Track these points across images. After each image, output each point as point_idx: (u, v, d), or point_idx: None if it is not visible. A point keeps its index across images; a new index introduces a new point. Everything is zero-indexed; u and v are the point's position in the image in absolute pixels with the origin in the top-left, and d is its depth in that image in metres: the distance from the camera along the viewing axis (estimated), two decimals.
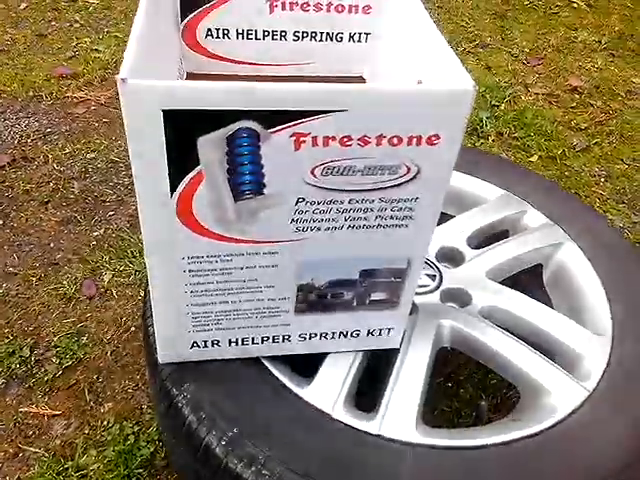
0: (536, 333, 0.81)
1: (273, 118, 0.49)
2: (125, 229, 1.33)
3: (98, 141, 1.63)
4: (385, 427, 0.66)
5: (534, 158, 1.60)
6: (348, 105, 0.50)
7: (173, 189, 0.52)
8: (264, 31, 0.77)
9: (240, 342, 0.68)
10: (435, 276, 0.88)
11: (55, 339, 1.08)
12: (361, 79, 0.82)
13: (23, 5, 2.27)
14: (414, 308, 0.82)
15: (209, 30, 0.76)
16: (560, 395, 0.71)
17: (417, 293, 0.84)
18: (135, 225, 1.35)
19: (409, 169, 0.56)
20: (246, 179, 0.53)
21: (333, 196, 0.56)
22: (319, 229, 0.59)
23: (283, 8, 0.75)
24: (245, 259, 0.59)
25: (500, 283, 0.90)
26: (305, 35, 0.78)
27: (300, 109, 0.49)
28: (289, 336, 0.68)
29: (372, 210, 0.58)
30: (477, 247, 0.95)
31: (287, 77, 0.81)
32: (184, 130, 0.49)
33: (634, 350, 0.77)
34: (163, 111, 0.47)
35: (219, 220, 0.56)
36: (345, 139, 0.52)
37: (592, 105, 1.83)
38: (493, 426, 0.71)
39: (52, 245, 1.30)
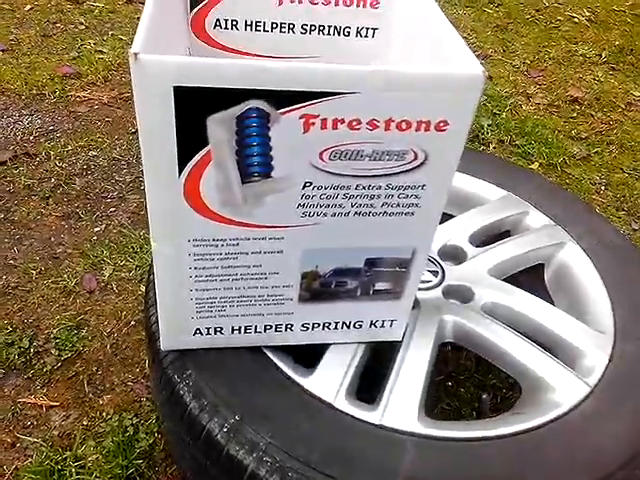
0: (538, 329, 0.81)
1: (283, 98, 0.50)
2: (126, 225, 1.33)
3: (100, 139, 1.63)
4: (387, 417, 0.66)
5: (535, 165, 1.61)
6: (360, 87, 0.50)
7: (181, 169, 0.53)
8: (272, 23, 0.78)
9: (243, 330, 0.68)
10: (438, 272, 0.88)
11: (55, 331, 1.08)
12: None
13: (28, 7, 2.28)
14: (416, 303, 0.82)
15: (218, 20, 0.77)
16: (562, 390, 0.71)
17: (420, 289, 0.84)
18: (136, 221, 1.35)
19: (417, 155, 0.56)
20: (254, 161, 0.53)
21: (340, 181, 0.56)
22: (325, 215, 0.59)
23: (292, 1, 0.76)
24: (250, 244, 0.60)
25: (502, 281, 0.90)
26: (313, 28, 0.79)
27: (311, 90, 0.50)
28: (292, 325, 0.68)
29: (379, 197, 0.58)
30: (479, 246, 0.96)
31: None
32: (194, 108, 0.49)
33: (635, 348, 0.77)
34: (174, 88, 0.48)
35: (226, 203, 0.56)
36: (354, 122, 0.53)
37: (592, 116, 1.84)
38: (495, 419, 0.71)
39: (53, 239, 1.29)
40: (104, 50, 2.04)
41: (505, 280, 0.91)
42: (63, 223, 1.34)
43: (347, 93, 0.50)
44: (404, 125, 0.54)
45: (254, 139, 0.52)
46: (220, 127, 0.51)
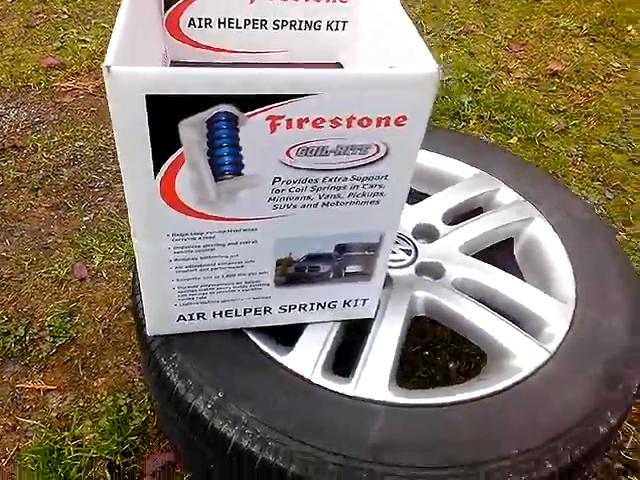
0: (504, 301, 0.86)
1: (249, 102, 0.54)
2: (114, 214, 1.37)
3: (86, 129, 1.66)
4: (359, 389, 0.71)
5: (514, 140, 1.64)
6: (320, 89, 0.54)
7: (157, 170, 0.57)
8: (245, 20, 0.80)
9: (224, 314, 0.73)
10: (411, 251, 0.93)
11: (48, 319, 1.13)
12: (339, 66, 0.86)
13: None
14: (389, 281, 0.87)
15: (192, 19, 0.79)
16: (524, 357, 0.77)
17: (393, 267, 0.89)
18: (124, 210, 1.39)
19: (379, 149, 0.60)
20: (225, 160, 0.57)
21: (308, 175, 0.60)
22: (295, 207, 0.63)
23: None
24: (226, 236, 0.64)
25: (473, 256, 0.95)
26: (285, 24, 0.82)
27: (275, 93, 0.54)
28: (270, 308, 0.73)
29: (345, 188, 0.62)
30: (452, 224, 1.00)
31: (267, 64, 0.84)
32: (166, 114, 0.53)
33: (592, 316, 0.82)
34: (146, 96, 0.51)
35: (201, 200, 0.60)
36: (318, 121, 0.56)
37: (571, 88, 1.88)
38: (462, 386, 0.76)
39: (43, 230, 1.33)
40: (87, 39, 2.05)
41: (478, 254, 0.96)
42: (52, 214, 1.37)
43: (310, 95, 0.54)
44: (365, 122, 0.57)
45: (224, 140, 0.56)
46: (191, 130, 0.55)
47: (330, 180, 0.61)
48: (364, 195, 0.64)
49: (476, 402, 0.71)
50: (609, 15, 2.31)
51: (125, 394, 0.99)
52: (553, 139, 1.65)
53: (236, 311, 0.72)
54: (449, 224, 1.00)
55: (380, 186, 0.63)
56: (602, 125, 1.71)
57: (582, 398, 0.72)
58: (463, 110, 1.74)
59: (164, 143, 0.55)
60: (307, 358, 0.73)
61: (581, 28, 2.22)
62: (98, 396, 0.99)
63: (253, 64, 0.84)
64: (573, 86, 1.88)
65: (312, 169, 0.60)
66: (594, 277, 0.89)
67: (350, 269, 0.71)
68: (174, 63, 0.83)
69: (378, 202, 0.65)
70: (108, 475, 0.87)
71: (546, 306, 0.84)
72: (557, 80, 1.91)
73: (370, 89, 0.55)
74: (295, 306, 0.74)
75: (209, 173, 0.58)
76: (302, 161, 0.59)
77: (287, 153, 0.58)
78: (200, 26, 0.80)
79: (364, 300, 0.76)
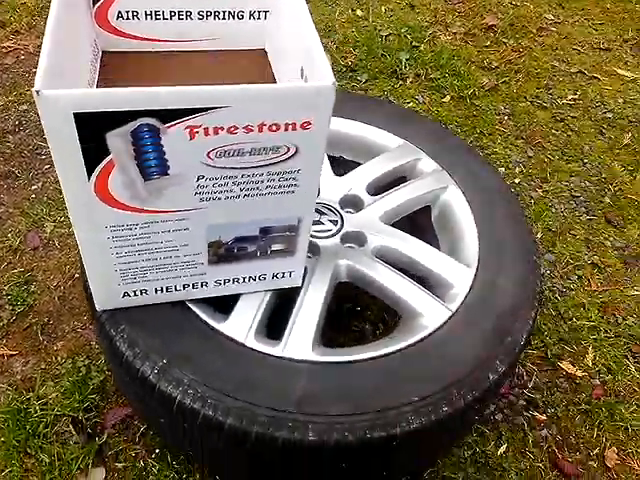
0: (416, 266, 0.98)
1: (168, 115, 0.61)
2: None
3: (29, 92, 1.66)
4: (287, 350, 0.82)
5: (447, 99, 1.73)
6: (230, 102, 0.61)
7: (89, 174, 0.64)
8: (171, 12, 0.85)
9: (165, 290, 0.82)
10: (337, 221, 1.03)
11: (6, 288, 1.20)
12: (263, 52, 0.92)
13: None
14: (317, 250, 0.97)
15: (119, 12, 0.84)
16: (429, 316, 0.89)
17: (321, 237, 0.99)
18: None
19: (289, 149, 0.68)
20: (152, 163, 0.65)
21: (228, 173, 0.69)
22: (220, 198, 0.71)
23: None
24: (160, 225, 0.72)
25: (397, 223, 1.06)
26: (209, 14, 0.87)
27: (191, 107, 0.61)
28: (206, 283, 0.83)
29: (262, 182, 0.71)
30: (377, 193, 1.10)
31: (197, 51, 0.90)
32: (93, 128, 0.60)
33: (489, 277, 0.94)
34: (74, 114, 0.58)
35: (133, 197, 0.68)
36: (232, 128, 0.64)
37: (505, 43, 1.95)
38: (375, 344, 0.88)
39: None
40: None
41: (403, 220, 1.07)
42: (1, 183, 1.41)
43: (222, 107, 0.62)
44: (274, 127, 0.65)
45: (148, 147, 0.63)
46: (118, 140, 0.62)
47: (248, 176, 0.70)
48: (280, 187, 0.72)
49: (385, 357, 0.83)
50: None
51: (84, 356, 1.08)
52: (483, 97, 1.74)
53: (175, 287, 0.82)
54: (374, 194, 1.09)
55: (294, 179, 0.72)
56: (530, 82, 1.81)
57: (475, 350, 0.85)
58: (401, 68, 1.80)
59: (94, 152, 0.62)
60: (241, 324, 0.84)
61: None
62: (58, 359, 1.09)
63: (184, 52, 0.89)
64: (506, 41, 1.96)
65: (231, 167, 0.68)
66: (494, 241, 1.00)
67: (275, 247, 0.81)
68: (105, 53, 0.87)
69: (294, 192, 0.73)
70: (72, 429, 0.98)
71: (452, 270, 0.96)
72: (492, 35, 1.98)
73: (275, 101, 0.63)
74: (229, 280, 0.83)
75: (138, 175, 0.66)
76: (221, 162, 0.67)
77: (207, 155, 0.66)
78: (128, 18, 0.85)
79: (290, 272, 0.86)
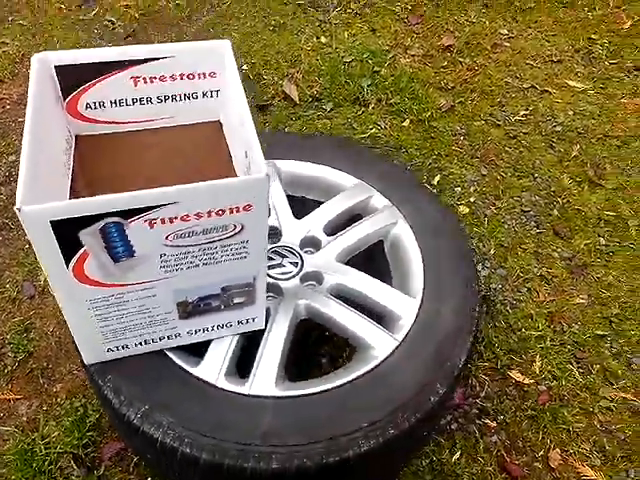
0: (369, 302, 1.10)
1: (129, 214, 0.73)
2: None
3: (17, 142, 1.77)
4: (253, 387, 0.95)
5: (406, 123, 1.84)
6: (178, 199, 0.74)
7: (67, 263, 0.76)
8: (132, 99, 0.97)
9: (144, 343, 0.94)
10: (298, 263, 1.15)
11: (8, 337, 1.32)
12: (219, 123, 1.04)
13: None
14: (280, 291, 1.09)
15: (87, 104, 0.96)
16: (379, 347, 1.01)
17: (283, 279, 1.11)
18: None
19: (235, 226, 0.81)
20: (119, 250, 0.77)
21: (186, 249, 0.81)
22: (182, 269, 0.84)
23: (145, 82, 0.95)
24: (133, 294, 0.85)
25: (351, 260, 1.18)
26: (167, 98, 0.99)
27: (147, 206, 0.73)
28: (179, 334, 0.95)
29: (217, 252, 0.83)
30: (333, 233, 1.22)
31: (157, 129, 1.01)
32: (68, 229, 0.72)
33: (432, 306, 1.07)
34: (50, 221, 0.70)
35: (106, 276, 0.80)
36: (184, 217, 0.77)
37: (461, 63, 2.06)
38: (331, 375, 1.00)
39: None
40: (6, 41, 2.10)
41: (358, 255, 1.19)
42: None
43: (173, 203, 0.74)
44: (220, 212, 0.78)
45: (115, 238, 0.76)
46: (89, 236, 0.74)
47: (204, 250, 0.82)
48: (233, 255, 0.85)
49: (338, 389, 0.96)
50: None
51: (80, 396, 1.21)
52: (441, 118, 1.86)
53: (153, 340, 0.94)
54: (331, 233, 1.21)
55: (244, 248, 0.84)
56: (484, 100, 1.92)
57: (417, 376, 0.98)
58: (363, 95, 1.92)
59: (70, 246, 0.74)
60: (213, 367, 0.96)
61: None
62: (58, 400, 1.21)
63: (144, 130, 1.01)
64: (462, 60, 2.07)
65: (188, 245, 0.80)
66: (438, 271, 1.13)
67: (236, 300, 0.93)
68: (78, 137, 0.99)
69: (245, 257, 0.86)
70: (74, 464, 1.11)
71: (399, 303, 1.09)
72: (449, 55, 2.09)
73: (217, 194, 0.75)
74: (199, 330, 0.96)
75: (109, 259, 0.78)
76: (179, 241, 0.79)
77: (166, 238, 0.78)
78: (96, 108, 0.97)
79: (253, 318, 0.99)
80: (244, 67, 2.03)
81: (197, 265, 0.84)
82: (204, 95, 1.01)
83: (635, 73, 2.06)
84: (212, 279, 0.88)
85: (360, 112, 1.88)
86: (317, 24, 2.23)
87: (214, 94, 1.01)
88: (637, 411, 1.23)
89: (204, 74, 0.98)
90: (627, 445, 1.18)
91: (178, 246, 0.80)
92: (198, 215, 0.77)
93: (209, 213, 0.77)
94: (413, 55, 2.09)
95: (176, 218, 0.76)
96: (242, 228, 0.81)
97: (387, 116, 1.87)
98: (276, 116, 1.85)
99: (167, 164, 0.96)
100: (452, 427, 1.19)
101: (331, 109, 1.90)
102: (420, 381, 0.97)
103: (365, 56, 2.06)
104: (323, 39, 2.17)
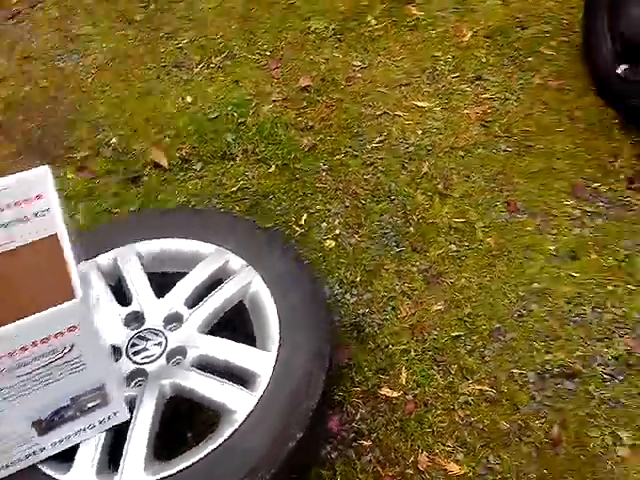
0: (231, 366, 1.20)
1: None
2: None
3: None
4: (123, 479, 1.03)
5: (272, 169, 1.95)
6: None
7: None
8: None
9: (13, 464, 1.01)
10: (162, 342, 1.23)
11: None
12: (56, 237, 1.12)
13: None
14: (145, 375, 1.17)
15: None
16: (240, 409, 1.11)
17: (147, 362, 1.19)
18: None
19: (65, 347, 0.90)
20: None
21: (22, 378, 0.89)
22: (25, 394, 0.92)
23: None
24: None
25: (220, 324, 1.27)
26: (1, 226, 1.07)
27: None
28: (44, 447, 1.03)
29: (54, 372, 0.92)
30: (195, 304, 1.31)
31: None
32: None
33: (287, 357, 1.17)
34: None
35: None
36: (10, 353, 0.85)
37: (319, 101, 2.19)
38: (196, 448, 1.09)
39: None
40: None
41: (225, 318, 1.29)
42: None
43: None
44: (45, 340, 0.87)
45: None
46: None
47: (42, 373, 0.91)
48: (71, 370, 0.94)
49: (203, 460, 1.05)
50: (350, 10, 2.58)
51: None
52: (304, 159, 1.98)
53: (19, 459, 1.01)
54: (193, 305, 1.30)
55: (79, 361, 0.93)
56: (343, 133, 2.06)
57: (273, 426, 1.08)
58: (230, 149, 2.02)
59: None
60: (82, 470, 1.04)
61: (327, 29, 2.51)
62: None
63: None
64: (320, 98, 2.20)
65: (22, 374, 0.89)
66: (291, 323, 1.24)
67: (90, 405, 1.01)
68: None
69: (83, 369, 0.95)
70: None
71: (257, 360, 1.19)
72: (307, 95, 2.22)
73: (37, 327, 0.84)
74: (62, 439, 1.04)
75: None
76: (13, 373, 0.88)
77: (0, 373, 0.86)
78: None
79: (115, 412, 1.07)
80: (113, 140, 2.10)
81: (38, 388, 0.92)
82: (35, 215, 1.09)
83: (477, 83, 2.24)
84: (57, 395, 0.96)
85: (229, 166, 1.98)
86: (182, 84, 2.32)
87: (45, 213, 1.09)
88: (492, 400, 1.37)
89: (30, 199, 1.06)
90: (485, 434, 1.32)
91: (15, 377, 0.88)
92: (24, 348, 0.85)
93: (35, 343, 0.86)
94: (274, 100, 2.21)
95: (3, 356, 0.84)
96: (72, 346, 0.90)
97: (254, 165, 1.97)
98: (147, 185, 1.93)
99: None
100: (332, 456, 1.30)
101: (201, 168, 1.99)
102: (276, 430, 1.07)
103: (229, 109, 2.16)
104: (189, 98, 2.26)
